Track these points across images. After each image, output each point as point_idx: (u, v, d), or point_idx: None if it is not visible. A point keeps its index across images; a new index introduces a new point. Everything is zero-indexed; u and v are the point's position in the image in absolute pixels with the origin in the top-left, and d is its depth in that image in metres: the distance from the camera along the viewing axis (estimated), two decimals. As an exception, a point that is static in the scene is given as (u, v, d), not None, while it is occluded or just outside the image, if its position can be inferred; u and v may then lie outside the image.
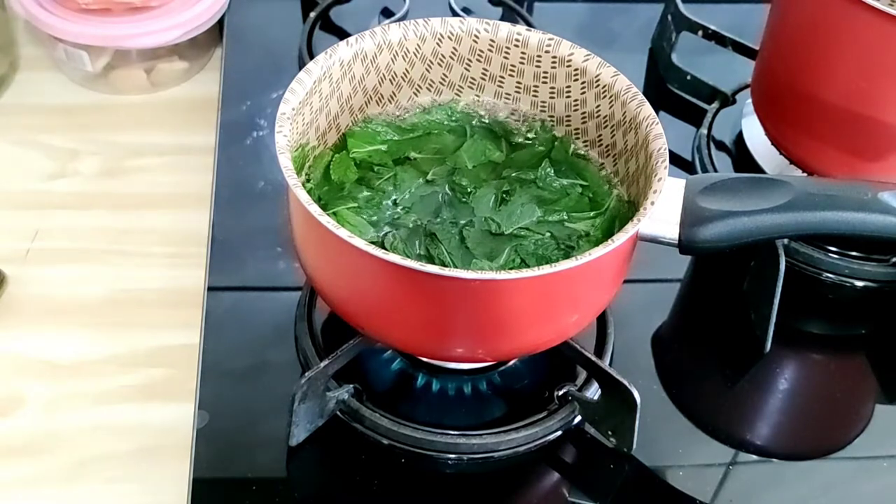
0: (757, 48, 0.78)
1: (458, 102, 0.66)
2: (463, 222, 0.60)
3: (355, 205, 0.60)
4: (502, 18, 0.88)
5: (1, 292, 0.69)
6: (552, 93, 0.64)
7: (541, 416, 0.61)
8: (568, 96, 0.63)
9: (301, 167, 0.60)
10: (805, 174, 0.73)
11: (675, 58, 0.85)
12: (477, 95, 0.66)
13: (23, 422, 0.63)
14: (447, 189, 0.62)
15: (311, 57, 0.72)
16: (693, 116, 0.82)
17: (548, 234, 0.60)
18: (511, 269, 0.58)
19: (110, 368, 0.66)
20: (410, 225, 0.59)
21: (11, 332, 0.68)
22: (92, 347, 0.67)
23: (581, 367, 0.62)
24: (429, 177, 0.62)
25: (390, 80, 0.64)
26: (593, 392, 0.62)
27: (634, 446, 0.59)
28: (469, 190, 0.62)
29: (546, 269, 0.51)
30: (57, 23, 0.80)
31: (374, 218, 0.59)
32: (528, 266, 0.58)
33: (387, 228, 0.59)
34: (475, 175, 0.63)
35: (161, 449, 0.62)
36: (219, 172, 0.73)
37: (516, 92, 0.65)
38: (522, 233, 0.60)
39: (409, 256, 0.57)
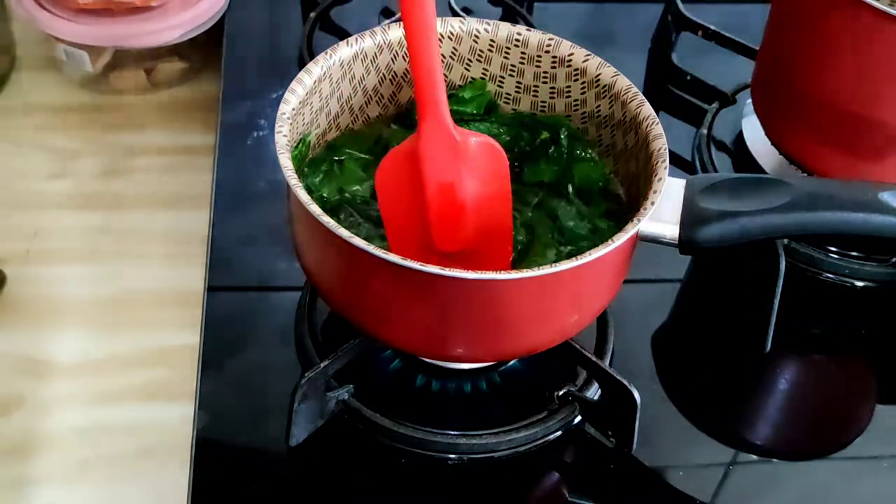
0: (757, 48, 0.78)
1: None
2: None
3: (322, 177, 0.61)
4: (502, 18, 0.87)
5: (1, 292, 0.69)
6: (552, 93, 0.64)
7: (541, 416, 0.60)
8: (568, 96, 0.63)
9: (301, 168, 0.60)
10: (805, 174, 0.73)
11: (675, 58, 0.85)
12: (477, 95, 0.66)
13: (23, 422, 0.63)
14: None
15: (311, 57, 0.72)
16: (693, 116, 0.82)
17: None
18: None
19: (110, 368, 0.66)
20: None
21: (11, 332, 0.68)
22: (92, 347, 0.67)
23: (581, 367, 0.62)
24: None
25: (390, 80, 0.64)
26: (593, 392, 0.62)
27: (634, 446, 0.59)
28: None
29: (546, 270, 0.51)
30: (57, 23, 0.80)
31: (343, 194, 0.60)
32: None
33: (354, 211, 0.60)
34: None
35: (161, 449, 0.62)
36: (219, 172, 0.73)
37: (516, 92, 0.65)
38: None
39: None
